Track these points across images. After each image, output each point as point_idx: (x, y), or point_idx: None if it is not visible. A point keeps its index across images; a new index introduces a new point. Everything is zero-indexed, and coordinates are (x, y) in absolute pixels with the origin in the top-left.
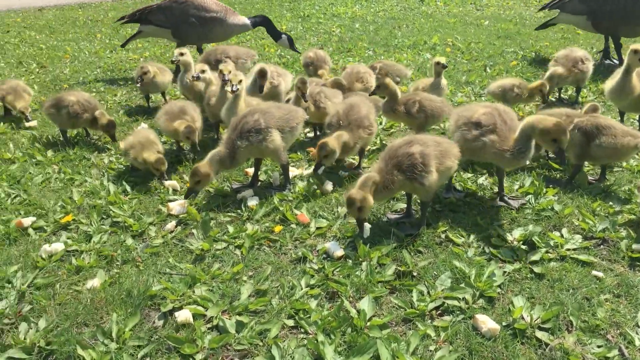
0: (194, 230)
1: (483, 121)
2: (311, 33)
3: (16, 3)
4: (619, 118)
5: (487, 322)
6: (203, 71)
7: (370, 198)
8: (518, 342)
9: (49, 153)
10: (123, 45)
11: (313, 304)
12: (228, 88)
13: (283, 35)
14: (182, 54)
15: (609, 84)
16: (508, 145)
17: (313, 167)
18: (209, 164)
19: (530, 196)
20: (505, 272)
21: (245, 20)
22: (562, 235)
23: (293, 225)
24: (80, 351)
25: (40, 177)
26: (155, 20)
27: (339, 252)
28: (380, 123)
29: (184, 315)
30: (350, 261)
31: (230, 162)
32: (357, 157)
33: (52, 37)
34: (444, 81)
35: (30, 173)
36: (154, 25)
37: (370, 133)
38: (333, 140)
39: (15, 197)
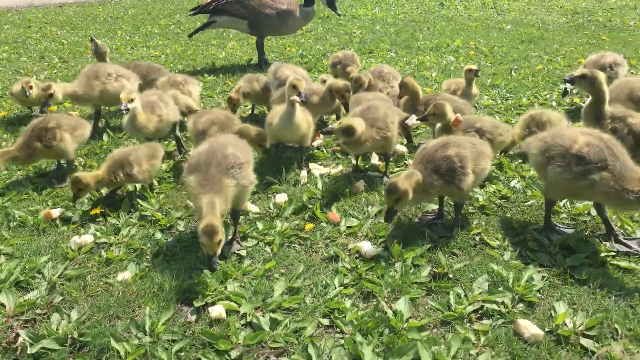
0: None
1: (588, 155)
2: (332, 34)
3: (37, 0)
4: None
5: (529, 328)
6: (131, 100)
7: (411, 193)
8: (562, 348)
9: None
10: (190, 36)
11: (348, 303)
12: (122, 107)
13: None
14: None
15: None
16: (631, 185)
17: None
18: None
19: (565, 200)
20: (544, 276)
21: (307, 9)
22: (601, 241)
23: (323, 224)
24: (114, 344)
25: None
26: (233, 11)
27: (372, 252)
28: None
29: (217, 310)
30: (383, 261)
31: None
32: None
33: (73, 33)
34: (474, 90)
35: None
36: (230, 16)
37: (385, 137)
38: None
39: (42, 189)
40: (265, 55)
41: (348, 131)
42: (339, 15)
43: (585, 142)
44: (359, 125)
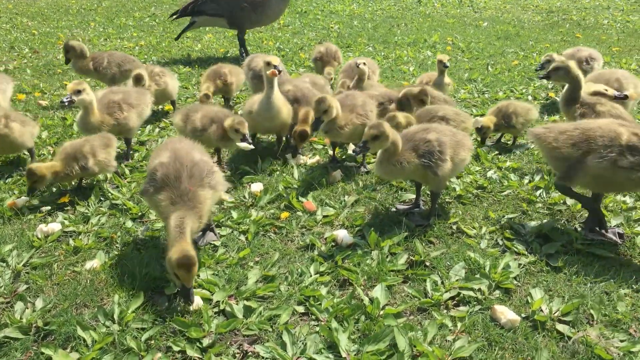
0: None
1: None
2: (309, 28)
3: None
4: None
5: (506, 313)
6: (79, 91)
7: (395, 136)
8: (539, 334)
9: (44, 134)
10: (177, 38)
11: (323, 291)
12: (65, 99)
13: None
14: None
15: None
16: None
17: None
18: None
19: (541, 190)
20: (520, 264)
21: None
22: (576, 230)
23: (299, 213)
24: (80, 332)
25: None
26: (209, 10)
27: (349, 240)
28: None
29: (196, 302)
30: (360, 250)
31: None
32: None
33: (45, 24)
34: (447, 79)
35: (25, 154)
36: (207, 15)
37: (362, 122)
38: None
39: (8, 177)
40: (246, 49)
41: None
42: None
43: (631, 133)
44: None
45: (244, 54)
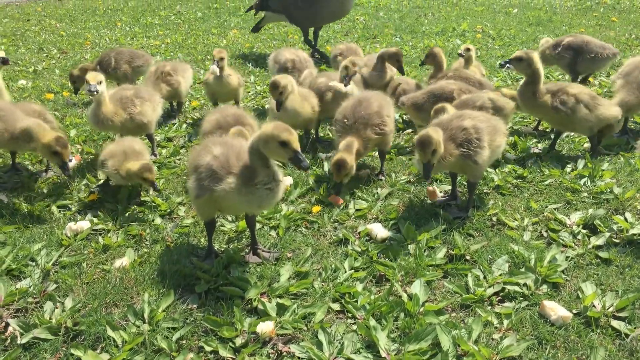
0: None
1: None
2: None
3: None
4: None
5: (556, 310)
6: (100, 82)
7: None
8: (593, 331)
9: (72, 132)
10: (253, 31)
11: (359, 287)
12: (91, 89)
13: None
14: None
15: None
16: None
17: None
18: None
19: (585, 179)
20: (567, 257)
21: None
22: (626, 220)
23: (331, 206)
24: (110, 332)
25: None
26: (272, 6)
27: (383, 234)
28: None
29: (267, 327)
30: (396, 244)
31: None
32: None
33: (73, 25)
34: (476, 68)
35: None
36: (272, 11)
37: (382, 133)
38: (348, 155)
39: (38, 176)
40: (313, 47)
41: (352, 170)
42: None
43: None
44: (353, 156)
45: (315, 54)
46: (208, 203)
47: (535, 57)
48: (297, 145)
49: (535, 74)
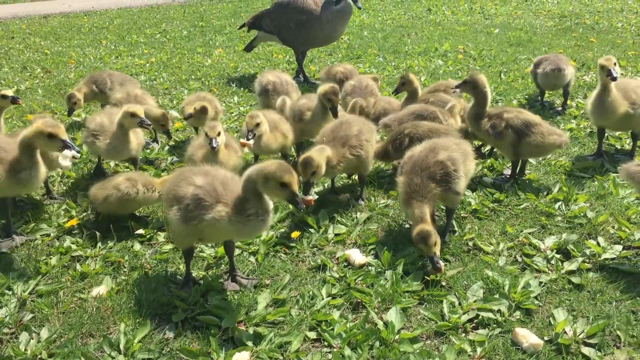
0: None
1: None
2: None
3: (21, 11)
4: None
5: (528, 337)
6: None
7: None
8: (563, 359)
9: None
10: (246, 50)
11: (336, 315)
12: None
13: None
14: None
15: (589, 102)
16: None
17: (302, 189)
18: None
19: (560, 203)
20: (541, 282)
21: (336, 7)
22: (599, 244)
23: (311, 230)
24: None
25: None
26: (264, 26)
27: (361, 260)
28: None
29: (242, 357)
30: (374, 269)
31: None
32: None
33: (57, 44)
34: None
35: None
36: (264, 31)
37: (358, 155)
38: (316, 154)
39: (18, 200)
40: (303, 72)
41: (320, 169)
42: (359, 8)
43: None
44: (321, 156)
45: (301, 76)
46: (192, 232)
47: (482, 80)
48: (296, 187)
49: (480, 95)
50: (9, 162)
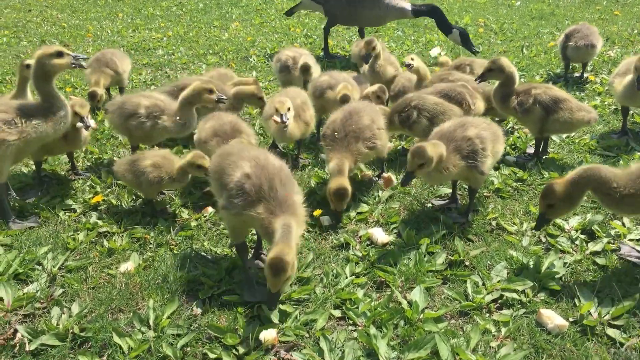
0: None
1: None
2: None
3: None
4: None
5: (553, 318)
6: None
7: (438, 151)
8: (588, 340)
9: None
10: (287, 14)
11: (360, 293)
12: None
13: (454, 30)
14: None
15: (621, 85)
16: None
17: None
18: None
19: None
20: (565, 263)
21: (404, 4)
22: (624, 225)
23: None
24: (117, 339)
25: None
26: None
27: (384, 239)
28: None
29: (269, 334)
30: (396, 249)
31: None
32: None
33: (74, 16)
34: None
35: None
36: None
37: (373, 146)
38: (344, 180)
39: (43, 176)
40: (327, 45)
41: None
42: (476, 52)
43: None
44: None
45: (327, 54)
46: (233, 217)
47: (505, 62)
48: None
49: (507, 77)
50: None
